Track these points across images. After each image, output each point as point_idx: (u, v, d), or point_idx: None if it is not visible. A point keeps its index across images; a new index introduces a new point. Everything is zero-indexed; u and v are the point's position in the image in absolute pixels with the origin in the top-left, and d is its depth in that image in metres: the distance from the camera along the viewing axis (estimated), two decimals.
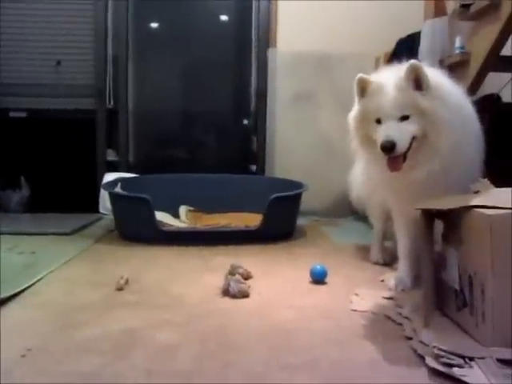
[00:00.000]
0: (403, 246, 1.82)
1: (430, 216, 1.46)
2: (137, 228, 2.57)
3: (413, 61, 1.51)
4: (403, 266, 1.80)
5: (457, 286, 1.37)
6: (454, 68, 2.51)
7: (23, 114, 3.57)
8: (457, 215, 1.36)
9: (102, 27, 3.58)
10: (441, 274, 1.48)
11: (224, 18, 3.89)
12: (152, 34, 3.90)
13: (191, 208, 3.09)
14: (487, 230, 1.21)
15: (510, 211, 1.21)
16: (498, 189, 1.43)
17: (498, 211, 1.22)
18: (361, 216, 2.66)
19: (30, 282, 1.76)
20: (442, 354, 1.14)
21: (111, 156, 3.68)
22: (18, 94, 3.56)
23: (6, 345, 1.24)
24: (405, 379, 1.11)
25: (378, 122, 1.55)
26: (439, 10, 2.63)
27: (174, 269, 2.04)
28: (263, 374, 1.13)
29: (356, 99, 1.63)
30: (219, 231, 2.70)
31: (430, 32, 2.58)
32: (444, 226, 1.49)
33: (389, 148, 1.47)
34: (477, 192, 1.44)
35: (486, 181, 1.47)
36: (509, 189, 1.40)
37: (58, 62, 3.56)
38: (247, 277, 1.85)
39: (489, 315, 1.21)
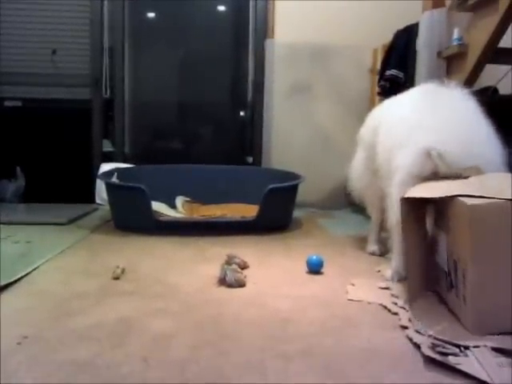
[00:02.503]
0: (397, 237, 1.82)
1: (419, 202, 1.47)
2: (133, 218, 2.56)
3: None
4: (398, 259, 1.81)
5: (446, 268, 1.42)
6: (452, 60, 2.51)
7: (18, 104, 3.55)
8: (444, 202, 1.39)
9: (98, 16, 3.55)
10: (434, 255, 1.52)
11: (221, 8, 3.87)
12: (149, 24, 3.88)
13: (188, 199, 3.08)
14: (467, 219, 1.25)
15: (489, 201, 1.24)
16: (488, 174, 1.45)
17: (478, 201, 1.24)
18: (358, 207, 2.67)
19: (26, 271, 1.76)
20: (438, 343, 1.15)
21: (107, 146, 3.67)
22: (13, 82, 3.53)
23: (2, 332, 1.24)
24: (400, 368, 1.12)
25: None
26: (437, 2, 2.62)
27: (170, 259, 2.04)
28: (259, 362, 1.13)
29: None
30: (215, 222, 2.70)
31: (428, 24, 2.57)
32: (435, 210, 1.52)
33: None
34: (467, 177, 1.45)
35: (477, 166, 1.48)
36: (497, 174, 1.43)
37: (54, 51, 3.54)
38: (244, 267, 1.85)
39: (469, 300, 1.25)
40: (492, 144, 1.58)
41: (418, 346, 1.18)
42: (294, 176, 2.90)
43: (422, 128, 1.64)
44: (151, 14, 3.85)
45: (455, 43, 2.42)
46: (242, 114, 3.90)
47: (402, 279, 1.74)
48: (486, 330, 1.22)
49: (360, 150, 2.22)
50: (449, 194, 1.34)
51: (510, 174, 1.45)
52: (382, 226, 2.21)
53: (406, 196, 1.45)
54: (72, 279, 1.74)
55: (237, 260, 1.84)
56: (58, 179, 3.54)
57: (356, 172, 2.24)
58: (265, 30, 3.60)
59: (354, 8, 3.51)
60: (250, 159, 3.73)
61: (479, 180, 1.40)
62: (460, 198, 1.29)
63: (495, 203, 1.23)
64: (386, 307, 1.48)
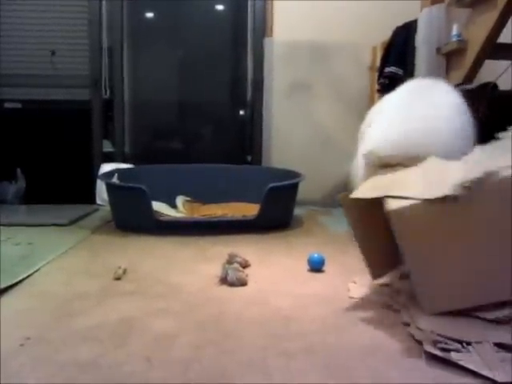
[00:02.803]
0: None
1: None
2: (134, 218, 2.56)
3: None
4: None
5: None
6: (451, 56, 2.52)
7: (18, 105, 3.55)
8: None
9: (96, 16, 3.55)
10: None
11: (220, 7, 3.86)
12: (148, 23, 3.88)
13: (188, 198, 3.08)
14: (392, 221, 1.32)
15: (410, 203, 1.29)
16: (428, 161, 1.50)
17: (400, 203, 1.30)
18: None
19: (28, 273, 1.76)
20: (440, 339, 1.15)
21: (107, 147, 3.67)
22: (12, 84, 3.54)
23: (4, 334, 1.25)
24: (402, 365, 1.12)
25: None
26: None
27: (172, 258, 2.05)
28: (261, 361, 1.13)
29: None
30: (216, 221, 2.70)
31: (427, 20, 2.57)
32: None
33: None
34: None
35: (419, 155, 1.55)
36: (437, 160, 1.49)
37: (53, 52, 3.54)
38: (245, 265, 1.86)
39: (413, 284, 1.36)
40: (451, 132, 1.67)
41: (419, 343, 1.18)
42: (294, 174, 2.90)
43: (380, 121, 1.81)
44: (150, 14, 3.85)
45: (454, 39, 2.42)
46: (241, 112, 3.90)
47: (404, 276, 1.74)
48: (435, 310, 1.29)
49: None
50: (377, 196, 1.40)
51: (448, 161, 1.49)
52: None
53: (351, 196, 1.54)
54: (73, 280, 1.74)
55: (238, 259, 1.84)
56: (59, 180, 3.54)
57: (358, 170, 2.24)
58: (263, 28, 3.60)
59: (353, 6, 3.51)
60: (250, 158, 3.73)
61: (422, 170, 1.47)
62: (388, 200, 1.34)
63: (415, 205, 1.28)
64: (387, 304, 1.48)
